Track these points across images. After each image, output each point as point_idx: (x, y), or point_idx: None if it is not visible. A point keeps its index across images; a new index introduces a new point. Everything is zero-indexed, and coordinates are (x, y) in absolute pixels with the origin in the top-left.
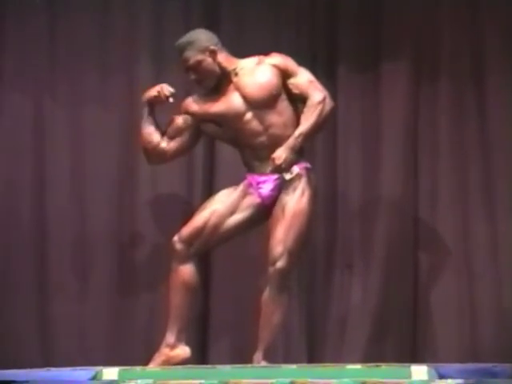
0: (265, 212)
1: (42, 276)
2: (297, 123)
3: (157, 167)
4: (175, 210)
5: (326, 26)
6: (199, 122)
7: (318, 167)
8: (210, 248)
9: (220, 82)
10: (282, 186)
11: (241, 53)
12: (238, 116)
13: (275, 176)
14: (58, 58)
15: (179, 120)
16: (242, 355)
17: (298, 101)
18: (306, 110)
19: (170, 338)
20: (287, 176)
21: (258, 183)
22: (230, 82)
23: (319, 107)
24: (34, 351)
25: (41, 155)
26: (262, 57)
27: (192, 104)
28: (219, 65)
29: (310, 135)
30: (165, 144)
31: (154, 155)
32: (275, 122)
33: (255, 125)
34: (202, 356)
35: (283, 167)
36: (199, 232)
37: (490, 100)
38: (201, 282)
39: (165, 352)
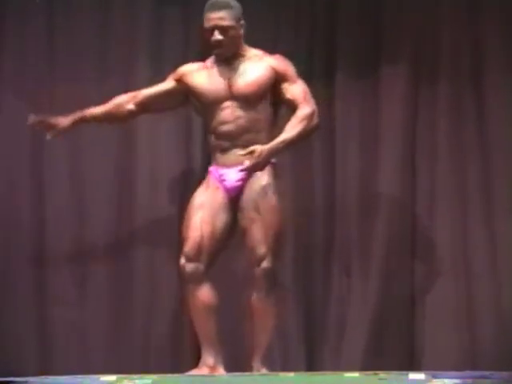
0: (233, 204)
1: (41, 279)
2: (270, 127)
3: (156, 170)
4: (174, 212)
5: (324, 29)
6: (186, 90)
7: (316, 169)
8: (216, 257)
9: (227, 59)
10: (248, 179)
11: None
12: (216, 100)
13: (238, 167)
14: (56, 59)
15: (167, 84)
16: (237, 363)
17: (281, 105)
18: (293, 118)
19: (209, 359)
20: (246, 163)
21: (221, 175)
22: (231, 63)
23: (307, 120)
24: (33, 354)
25: (39, 156)
26: (265, 54)
27: (186, 71)
28: (241, 41)
29: (291, 144)
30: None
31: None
32: (248, 118)
33: (227, 114)
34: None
35: (256, 166)
36: (200, 245)
37: (489, 102)
38: None
39: (205, 371)
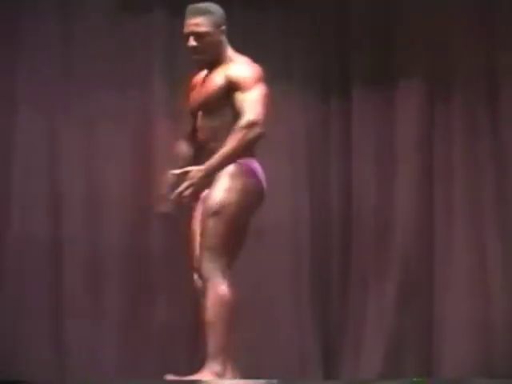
0: None
1: (57, 296)
2: None
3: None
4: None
5: (339, 46)
6: None
7: (332, 184)
8: None
9: (207, 68)
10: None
11: None
12: (191, 109)
13: None
14: (72, 75)
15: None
16: (257, 353)
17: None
18: (235, 129)
19: (215, 366)
20: None
21: None
22: (210, 72)
23: (245, 130)
24: (49, 370)
25: (55, 173)
26: (239, 60)
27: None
28: (221, 47)
29: (230, 158)
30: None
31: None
32: (210, 127)
33: (198, 122)
34: None
35: (190, 188)
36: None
37: (504, 117)
38: None
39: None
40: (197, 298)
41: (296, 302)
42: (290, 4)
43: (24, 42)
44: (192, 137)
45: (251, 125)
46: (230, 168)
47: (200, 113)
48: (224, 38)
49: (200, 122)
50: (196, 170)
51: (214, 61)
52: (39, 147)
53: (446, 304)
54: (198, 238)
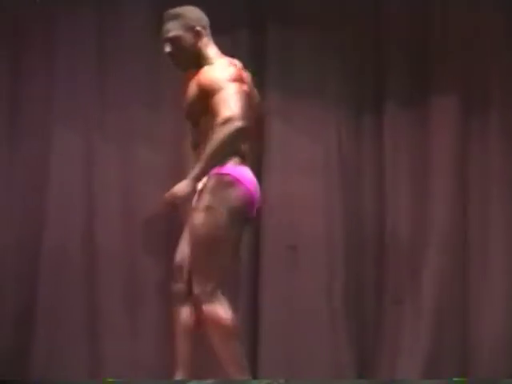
0: None
1: (92, 309)
2: None
3: None
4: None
5: (373, 61)
6: None
7: (366, 204)
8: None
9: (189, 71)
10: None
11: (288, 93)
12: (184, 116)
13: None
14: (107, 93)
15: None
16: (292, 367)
17: None
18: (214, 130)
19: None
20: (199, 186)
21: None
22: (192, 74)
23: (224, 127)
24: (85, 381)
25: (90, 189)
26: (213, 64)
27: None
28: (198, 49)
29: (214, 158)
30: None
31: None
32: (196, 133)
33: (190, 128)
34: (253, 366)
35: (177, 202)
36: (181, 266)
37: None
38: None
39: None
40: (174, 303)
41: (330, 315)
42: (326, 22)
43: (60, 65)
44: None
45: (227, 120)
46: (210, 183)
47: (187, 120)
48: (202, 40)
49: (189, 127)
50: (183, 185)
51: (193, 64)
52: (75, 164)
53: (482, 320)
54: (185, 236)
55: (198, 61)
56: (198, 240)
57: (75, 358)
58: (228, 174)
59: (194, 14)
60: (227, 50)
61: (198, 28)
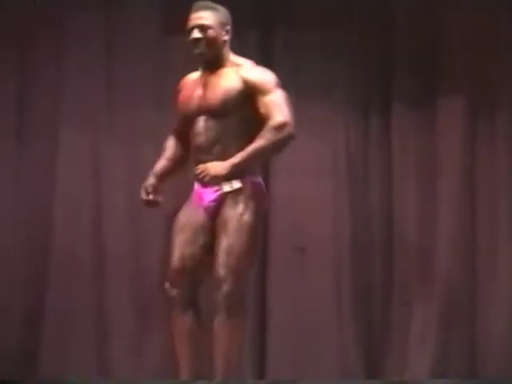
0: (213, 223)
1: (101, 311)
2: (242, 140)
3: None
4: None
5: (381, 63)
6: None
7: (373, 205)
8: (201, 278)
9: (205, 67)
10: (223, 199)
11: (295, 91)
12: (190, 113)
13: (216, 187)
14: (114, 93)
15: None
16: (300, 368)
17: (256, 122)
18: (263, 130)
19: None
20: (226, 188)
21: (200, 194)
22: (210, 75)
23: (275, 131)
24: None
25: (98, 189)
26: (250, 65)
27: (179, 89)
28: (223, 46)
29: (258, 155)
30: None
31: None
32: (217, 130)
33: (200, 126)
34: (260, 367)
35: (205, 179)
36: (183, 270)
37: None
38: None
39: None
40: (169, 308)
41: (338, 317)
42: (334, 23)
43: (68, 69)
44: (181, 138)
45: (282, 126)
46: (249, 190)
47: (203, 117)
48: (228, 40)
49: (202, 125)
50: (220, 166)
51: (215, 60)
52: (82, 165)
53: (490, 320)
54: (186, 237)
55: (219, 57)
56: (240, 242)
57: (83, 358)
58: (261, 184)
59: (226, 13)
60: (235, 50)
61: (228, 27)
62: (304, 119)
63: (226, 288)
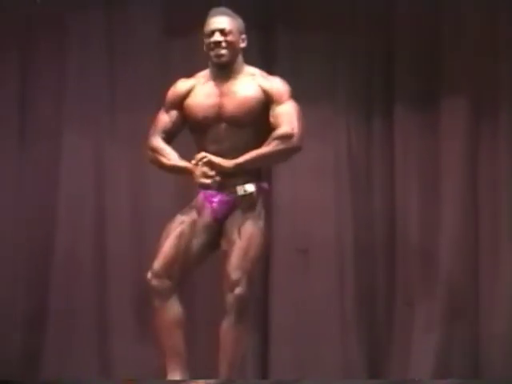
0: (218, 226)
1: (102, 313)
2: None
3: None
4: None
5: (383, 64)
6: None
7: (376, 207)
8: (188, 275)
9: (220, 73)
10: (235, 203)
11: (297, 93)
12: (206, 120)
13: (227, 191)
14: (117, 97)
15: (173, 117)
16: (303, 368)
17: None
18: (269, 139)
19: (175, 375)
20: (240, 192)
21: (209, 196)
22: (224, 81)
23: (281, 140)
24: None
25: (101, 194)
26: (261, 74)
27: (179, 94)
28: (239, 53)
29: (259, 160)
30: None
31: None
32: (237, 138)
33: (217, 133)
34: (263, 368)
35: (203, 159)
36: (173, 261)
37: None
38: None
39: None
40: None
41: (341, 317)
42: (336, 24)
43: (71, 70)
44: (168, 140)
45: (287, 136)
46: (263, 196)
47: (223, 125)
48: (243, 48)
49: (220, 133)
50: (225, 163)
51: (231, 66)
52: (85, 167)
53: (493, 320)
54: (184, 231)
55: (235, 64)
56: (253, 246)
57: (85, 359)
58: (268, 190)
59: (242, 23)
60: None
61: (244, 36)
62: (306, 121)
63: (238, 291)
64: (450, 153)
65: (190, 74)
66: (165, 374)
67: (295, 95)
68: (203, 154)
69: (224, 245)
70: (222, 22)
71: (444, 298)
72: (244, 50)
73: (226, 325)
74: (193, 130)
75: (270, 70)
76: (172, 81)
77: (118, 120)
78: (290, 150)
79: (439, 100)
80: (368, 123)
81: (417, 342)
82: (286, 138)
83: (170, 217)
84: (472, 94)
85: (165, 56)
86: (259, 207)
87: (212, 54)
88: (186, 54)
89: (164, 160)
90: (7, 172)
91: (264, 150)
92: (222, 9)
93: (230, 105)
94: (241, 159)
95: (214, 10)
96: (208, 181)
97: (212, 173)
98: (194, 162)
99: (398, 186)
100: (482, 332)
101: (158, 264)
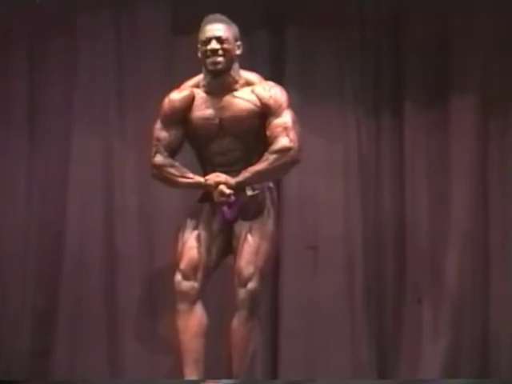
0: (229, 227)
1: (113, 312)
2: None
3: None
4: None
5: (392, 61)
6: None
7: (385, 204)
8: (208, 280)
9: (218, 84)
10: (245, 203)
11: (306, 91)
12: (208, 133)
13: (236, 193)
14: (126, 98)
15: (176, 131)
16: (313, 367)
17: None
18: (266, 153)
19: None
20: (249, 192)
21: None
22: (222, 93)
23: (279, 154)
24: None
25: (110, 194)
26: (259, 81)
27: (179, 108)
28: (235, 63)
29: (260, 176)
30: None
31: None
32: (240, 149)
33: (220, 146)
34: (273, 368)
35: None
36: (197, 264)
37: None
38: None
39: None
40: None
41: (350, 316)
42: (344, 22)
43: (80, 70)
44: (172, 154)
45: (285, 150)
46: (273, 195)
47: (227, 138)
48: (238, 55)
49: (224, 145)
50: (231, 181)
51: (227, 74)
52: (94, 167)
53: (502, 319)
54: (199, 246)
55: (231, 71)
56: (265, 243)
57: (95, 358)
58: (275, 189)
59: (237, 29)
60: (246, 52)
61: (239, 43)
62: (315, 119)
63: (251, 286)
64: (460, 150)
65: (197, 73)
66: (176, 374)
67: (305, 93)
68: (218, 178)
69: (235, 242)
70: (218, 29)
71: (453, 297)
72: (239, 56)
73: (237, 321)
74: (195, 144)
75: (279, 68)
76: (182, 80)
77: (127, 119)
78: (290, 164)
79: (448, 97)
80: (377, 121)
81: (426, 341)
82: (284, 151)
83: (178, 216)
84: (481, 91)
85: (173, 55)
86: (268, 205)
87: (208, 61)
88: (194, 54)
89: (178, 177)
90: (17, 171)
91: (263, 165)
92: (218, 15)
93: (231, 119)
94: (241, 177)
95: (210, 16)
96: (225, 199)
97: (228, 191)
98: (209, 181)
99: (408, 184)
100: (491, 331)
101: (184, 267)
